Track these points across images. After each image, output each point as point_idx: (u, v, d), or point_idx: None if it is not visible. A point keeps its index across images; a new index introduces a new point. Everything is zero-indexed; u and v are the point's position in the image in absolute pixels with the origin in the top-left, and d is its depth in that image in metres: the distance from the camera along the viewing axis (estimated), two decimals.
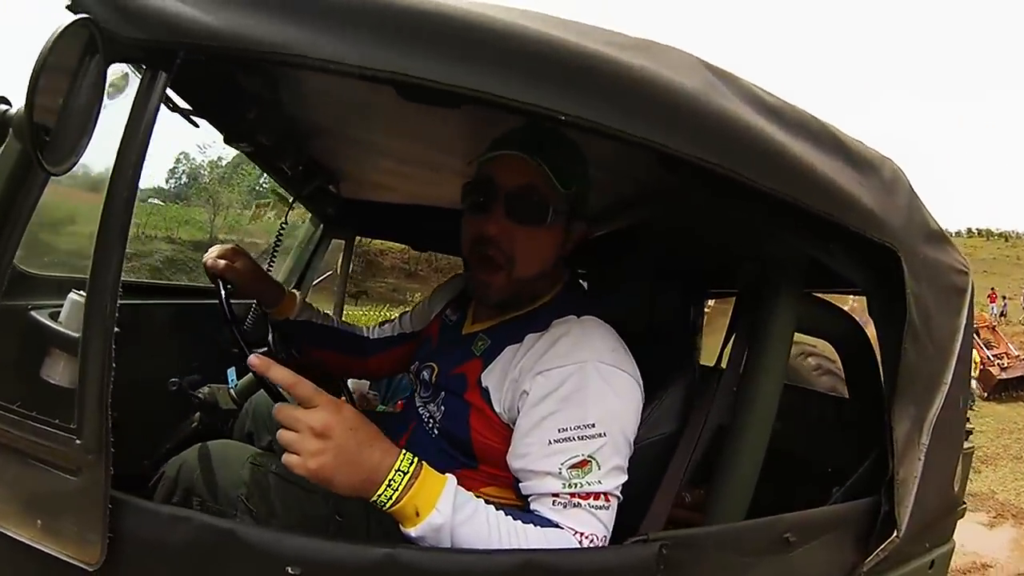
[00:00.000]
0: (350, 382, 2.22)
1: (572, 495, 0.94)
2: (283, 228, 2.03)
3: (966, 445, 1.81)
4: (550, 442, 0.96)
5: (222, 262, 1.41)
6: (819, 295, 1.46)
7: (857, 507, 1.17)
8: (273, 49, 0.66)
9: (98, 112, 0.75)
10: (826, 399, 1.94)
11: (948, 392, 1.32)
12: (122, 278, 0.77)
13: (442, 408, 1.17)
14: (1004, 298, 25.27)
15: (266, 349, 1.60)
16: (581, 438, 0.95)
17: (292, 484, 1.18)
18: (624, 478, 0.99)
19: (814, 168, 0.95)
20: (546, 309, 1.16)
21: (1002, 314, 23.40)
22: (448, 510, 0.86)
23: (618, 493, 0.99)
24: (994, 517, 5.56)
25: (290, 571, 0.73)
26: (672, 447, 1.14)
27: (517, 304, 1.19)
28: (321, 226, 2.60)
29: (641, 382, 1.08)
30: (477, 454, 1.09)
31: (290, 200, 2.06)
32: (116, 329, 0.76)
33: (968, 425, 1.90)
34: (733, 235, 1.37)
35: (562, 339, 1.05)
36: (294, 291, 1.59)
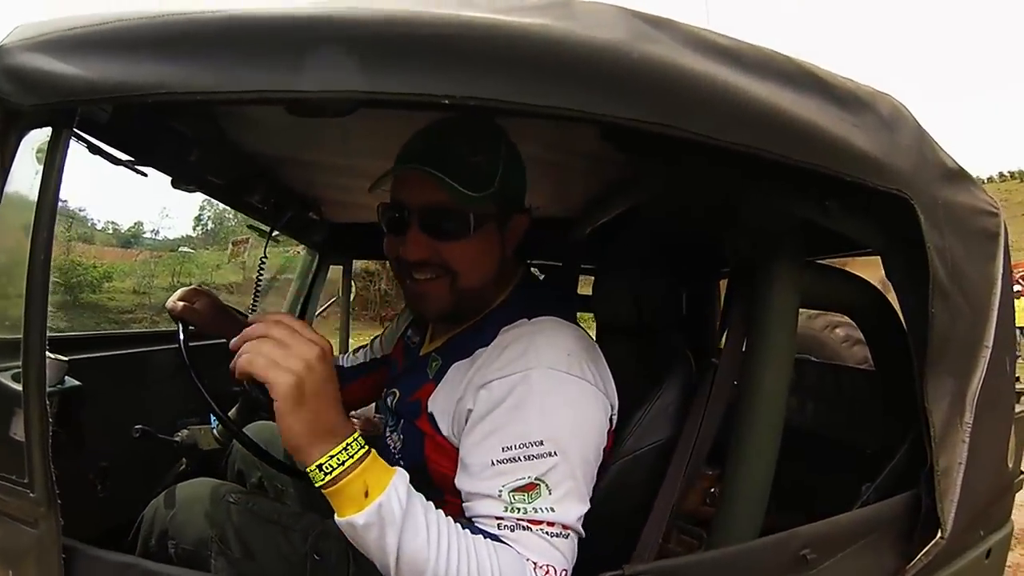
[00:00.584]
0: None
1: (519, 519, 0.80)
2: (263, 262, 1.92)
3: (1018, 409, 1.58)
4: (493, 462, 0.82)
5: (180, 304, 1.33)
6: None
7: (892, 507, 0.97)
8: (149, 91, 0.64)
9: (3, 182, 0.77)
10: (858, 373, 1.72)
11: (991, 355, 1.12)
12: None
13: (401, 436, 1.05)
14: None
15: (239, 388, 1.50)
16: (528, 458, 0.81)
17: (269, 523, 1.10)
18: (584, 507, 0.84)
19: (785, 111, 0.77)
20: (496, 315, 1.00)
21: None
22: (404, 493, 0.74)
23: (578, 526, 0.83)
24: None
25: None
26: (668, 456, 0.97)
27: (466, 314, 1.04)
28: (317, 254, 2.51)
29: (610, 389, 0.92)
30: (437, 484, 0.96)
31: (269, 233, 1.95)
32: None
33: (1019, 386, 1.67)
34: (717, 206, 1.19)
35: (510, 346, 0.90)
36: None
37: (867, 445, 1.39)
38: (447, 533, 0.76)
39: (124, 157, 1.20)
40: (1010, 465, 1.28)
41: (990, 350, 1.11)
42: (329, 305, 2.79)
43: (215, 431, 1.43)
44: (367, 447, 0.76)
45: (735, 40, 0.81)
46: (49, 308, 0.78)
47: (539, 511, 0.79)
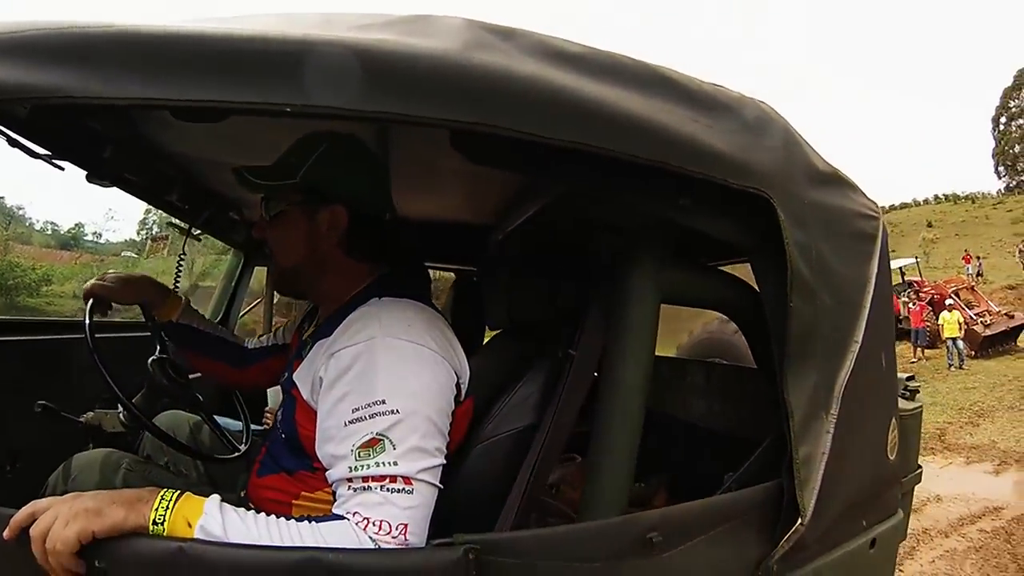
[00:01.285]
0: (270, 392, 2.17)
1: (364, 479, 0.83)
2: (181, 259, 1.87)
3: (911, 406, 1.59)
4: (345, 424, 0.87)
5: (92, 282, 1.39)
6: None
7: (753, 495, 0.95)
8: (49, 93, 0.68)
9: None
10: (759, 374, 1.72)
11: (861, 350, 1.11)
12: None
13: (282, 410, 1.10)
14: (979, 258, 24.64)
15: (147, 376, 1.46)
16: (371, 416, 0.85)
17: None
18: (434, 461, 0.87)
19: (622, 109, 0.77)
20: (355, 300, 1.04)
21: (979, 274, 22.85)
22: (215, 511, 0.80)
23: (427, 478, 0.86)
24: (998, 465, 5.64)
25: (97, 564, 0.74)
26: (528, 443, 0.95)
27: (303, 293, 1.18)
28: (243, 255, 2.48)
29: (454, 358, 0.97)
30: (308, 451, 0.99)
31: (187, 231, 1.89)
32: None
33: (912, 384, 1.68)
34: (585, 206, 1.19)
35: (358, 321, 0.95)
36: (180, 296, 1.51)
37: (762, 441, 1.39)
38: (266, 525, 0.80)
39: (41, 151, 1.19)
40: (891, 457, 1.27)
41: (859, 345, 1.11)
42: (253, 306, 2.74)
43: (121, 415, 1.39)
44: (176, 493, 0.81)
45: (588, 48, 0.83)
46: None
47: (382, 465, 0.83)
